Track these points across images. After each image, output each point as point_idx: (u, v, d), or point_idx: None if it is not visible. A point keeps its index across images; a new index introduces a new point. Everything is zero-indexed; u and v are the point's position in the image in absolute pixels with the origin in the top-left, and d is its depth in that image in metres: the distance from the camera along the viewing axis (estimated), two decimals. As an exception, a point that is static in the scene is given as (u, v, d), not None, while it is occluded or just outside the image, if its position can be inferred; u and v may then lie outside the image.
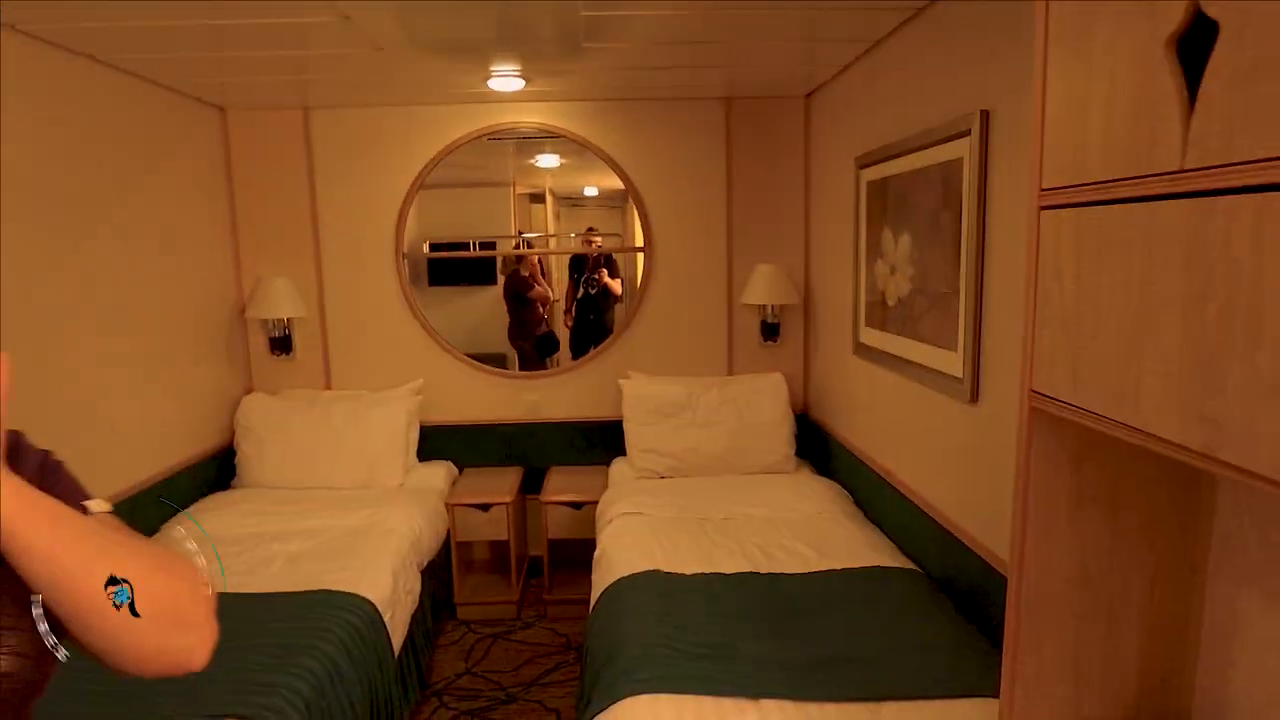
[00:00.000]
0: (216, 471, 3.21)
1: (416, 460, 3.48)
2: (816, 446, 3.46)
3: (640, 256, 3.59)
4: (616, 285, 3.97)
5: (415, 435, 3.45)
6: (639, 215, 3.54)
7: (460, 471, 3.60)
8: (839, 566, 2.37)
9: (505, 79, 2.98)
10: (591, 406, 3.65)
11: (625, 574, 2.35)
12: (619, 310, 3.89)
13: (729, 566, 2.39)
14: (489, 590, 3.40)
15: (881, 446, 2.79)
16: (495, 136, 3.53)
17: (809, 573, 2.34)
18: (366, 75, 2.94)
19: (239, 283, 3.47)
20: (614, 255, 3.86)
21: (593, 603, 2.40)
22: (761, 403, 3.37)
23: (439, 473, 3.43)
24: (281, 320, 3.41)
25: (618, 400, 3.50)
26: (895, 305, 2.57)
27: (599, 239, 3.92)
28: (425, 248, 3.65)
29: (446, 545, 3.22)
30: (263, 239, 3.46)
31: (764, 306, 3.52)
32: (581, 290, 4.03)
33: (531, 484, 3.56)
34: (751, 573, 2.35)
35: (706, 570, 2.36)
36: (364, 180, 3.47)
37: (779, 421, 3.34)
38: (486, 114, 3.44)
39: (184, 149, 3.14)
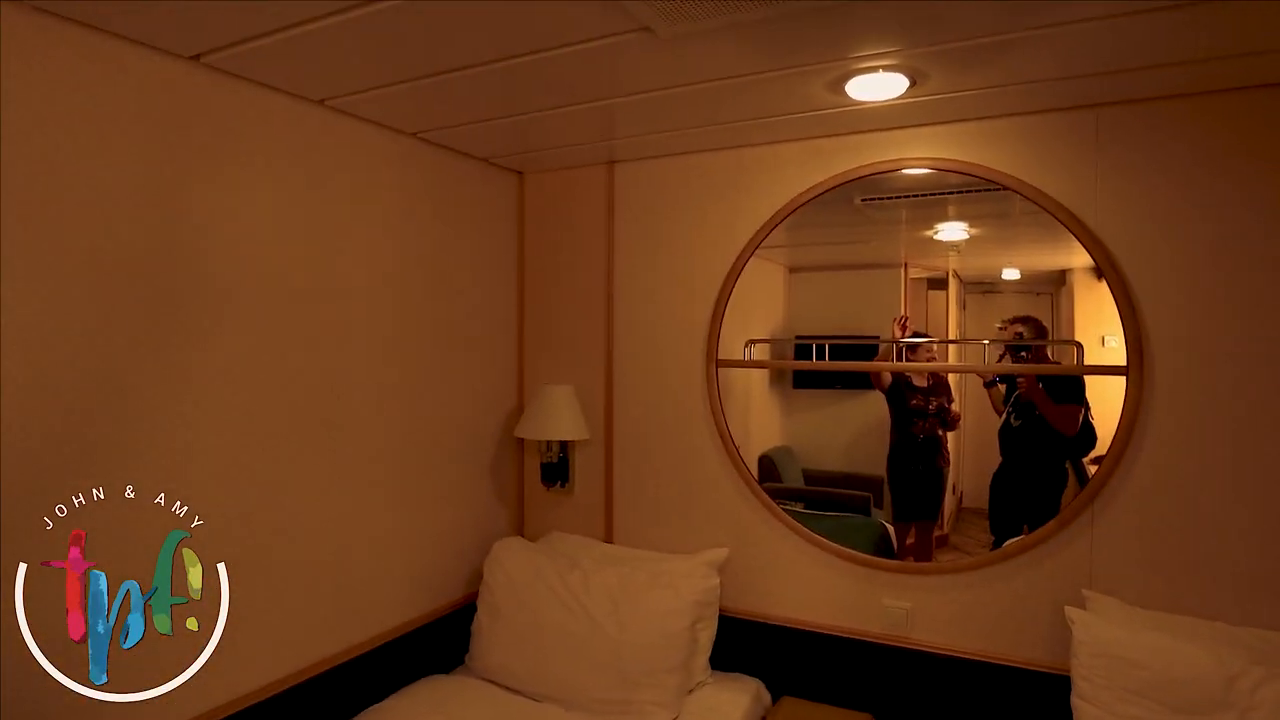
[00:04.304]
0: (451, 639, 2.42)
1: (707, 669, 2.29)
2: None
3: (1066, 379, 1.97)
4: (1075, 418, 2.33)
5: (708, 637, 2.27)
6: (1121, 311, 1.94)
7: (774, 700, 2.31)
8: None
9: (871, 79, 1.76)
10: (1004, 638, 2.08)
11: None
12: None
13: None
14: None
15: None
16: (872, 196, 2.31)
17: None
18: (664, 97, 1.97)
19: (520, 388, 2.74)
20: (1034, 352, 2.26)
21: None
22: None
23: (737, 701, 2.19)
24: (556, 443, 2.58)
25: (1056, 638, 1.91)
26: None
27: (1021, 327, 2.36)
28: (747, 353, 2.51)
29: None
30: (548, 334, 2.70)
31: None
32: (1005, 413, 2.48)
33: (887, 750, 2.12)
34: None
35: None
36: (673, 254, 2.50)
37: None
38: (848, 152, 2.23)
39: (474, 222, 2.56)
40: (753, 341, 2.45)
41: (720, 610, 2.32)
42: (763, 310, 2.50)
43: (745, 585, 2.39)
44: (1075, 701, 1.81)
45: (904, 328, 2.37)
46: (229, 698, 1.77)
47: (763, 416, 2.55)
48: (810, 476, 2.52)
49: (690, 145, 2.38)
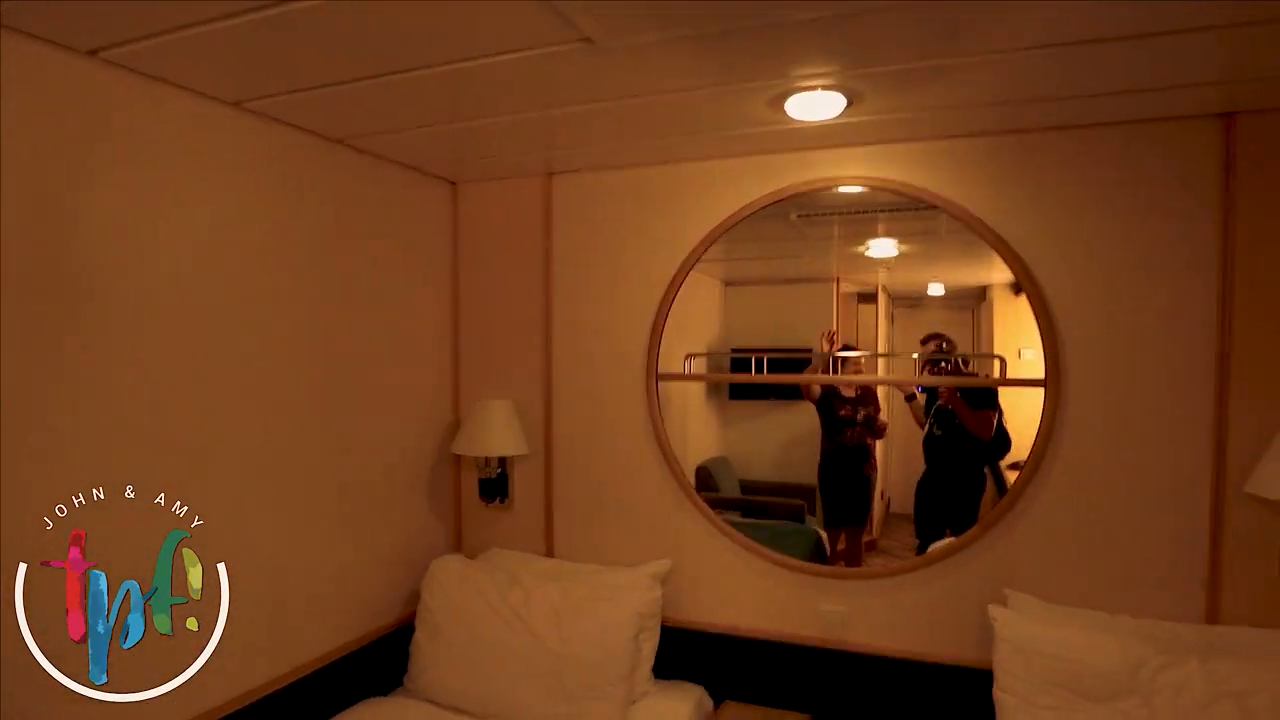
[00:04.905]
0: (389, 660, 2.36)
1: (650, 679, 2.31)
2: None
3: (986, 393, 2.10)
4: (991, 422, 2.44)
5: (650, 648, 2.29)
6: (1040, 327, 2.06)
7: (716, 706, 2.35)
8: None
9: (810, 98, 1.81)
10: (933, 638, 2.18)
11: None
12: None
13: None
14: None
15: None
16: (807, 211, 2.37)
17: None
18: (603, 109, 1.97)
19: (457, 404, 2.69)
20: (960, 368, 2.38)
21: None
22: (1310, 711, 1.62)
23: (680, 709, 2.22)
24: (495, 459, 2.54)
25: (982, 636, 2.01)
26: None
27: (934, 343, 2.47)
28: (687, 366, 2.54)
29: None
30: (485, 348, 2.66)
31: (1304, 504, 1.79)
32: (928, 424, 2.59)
33: (825, 750, 2.19)
34: None
35: None
36: (613, 267, 2.51)
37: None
38: (786, 169, 2.29)
39: (406, 233, 2.50)
40: (692, 355, 2.48)
41: (662, 620, 2.34)
42: (700, 323, 2.54)
43: (686, 595, 2.42)
44: (997, 694, 1.91)
45: (832, 342, 2.44)
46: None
47: (700, 428, 2.59)
48: (746, 486, 2.57)
49: (630, 158, 2.39)
